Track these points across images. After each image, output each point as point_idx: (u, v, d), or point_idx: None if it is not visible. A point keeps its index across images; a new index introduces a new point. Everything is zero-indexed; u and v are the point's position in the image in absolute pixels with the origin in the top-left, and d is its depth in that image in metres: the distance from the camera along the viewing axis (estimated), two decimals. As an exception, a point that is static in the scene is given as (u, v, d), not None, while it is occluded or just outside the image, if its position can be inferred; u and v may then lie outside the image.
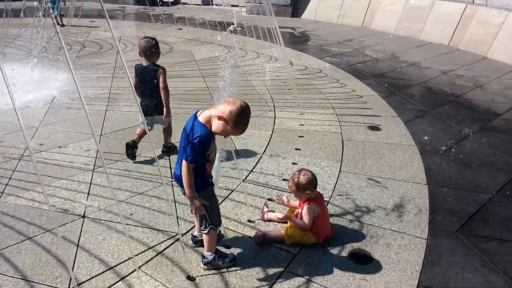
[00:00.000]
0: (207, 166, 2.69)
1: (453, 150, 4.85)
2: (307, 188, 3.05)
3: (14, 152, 4.60)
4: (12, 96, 2.17)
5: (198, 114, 2.60)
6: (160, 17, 13.31)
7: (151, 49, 4.23)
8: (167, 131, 4.60)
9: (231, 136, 2.87)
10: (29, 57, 7.45)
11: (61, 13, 12.04)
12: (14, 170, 4.19)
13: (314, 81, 7.46)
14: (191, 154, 2.49)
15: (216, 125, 2.51)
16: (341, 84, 7.30)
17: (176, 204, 3.63)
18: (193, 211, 2.70)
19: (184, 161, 2.54)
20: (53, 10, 11.02)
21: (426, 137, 5.14)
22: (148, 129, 4.34)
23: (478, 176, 4.24)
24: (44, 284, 2.74)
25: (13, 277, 2.79)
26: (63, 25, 11.62)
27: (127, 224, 3.35)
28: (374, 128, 5.41)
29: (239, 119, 2.49)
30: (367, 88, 7.08)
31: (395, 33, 11.94)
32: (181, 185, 2.66)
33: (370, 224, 3.40)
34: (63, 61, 7.36)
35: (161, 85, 4.26)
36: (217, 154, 2.82)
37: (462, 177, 4.23)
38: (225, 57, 9.21)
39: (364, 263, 2.98)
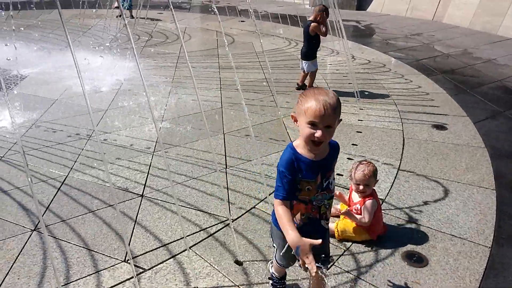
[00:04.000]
0: (294, 205, 1.98)
1: (528, 154, 4.44)
2: (375, 177, 2.98)
3: (84, 132, 4.94)
4: (82, 83, 2.32)
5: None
6: (224, 10, 13.54)
7: (319, 11, 5.99)
8: (309, 76, 6.36)
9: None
10: (101, 46, 7.92)
11: (131, 4, 12.57)
12: (82, 149, 4.50)
13: (376, 75, 7.19)
14: (276, 185, 1.96)
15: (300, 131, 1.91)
16: (406, 79, 6.97)
17: (229, 191, 3.69)
18: (303, 261, 1.82)
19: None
20: (123, 3, 11.64)
21: (497, 139, 4.76)
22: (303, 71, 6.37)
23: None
24: (103, 254, 2.91)
25: (76, 245, 3.01)
26: (132, 17, 12.20)
27: (181, 206, 3.46)
28: (440, 127, 5.10)
29: (304, 104, 1.81)
30: (435, 85, 6.69)
31: (469, 27, 11.15)
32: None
33: (428, 227, 3.22)
34: (131, 51, 7.75)
35: (311, 31, 6.07)
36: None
37: (537, 184, 3.87)
38: (285, 49, 9.19)
39: (418, 266, 2.83)
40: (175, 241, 3.06)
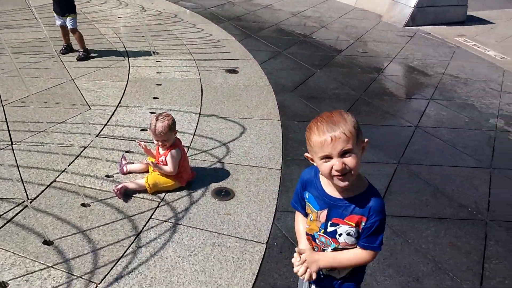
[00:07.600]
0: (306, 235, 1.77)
1: (302, 86, 5.28)
2: (173, 129, 3.02)
3: None
4: None
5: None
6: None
7: None
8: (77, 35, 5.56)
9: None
10: None
11: None
12: None
13: (169, 26, 7.17)
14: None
15: None
16: (198, 28, 7.18)
17: (20, 169, 3.26)
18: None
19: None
20: None
21: (279, 77, 5.48)
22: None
23: (323, 108, 4.73)
24: None
25: None
26: None
27: (-40, 200, 2.90)
28: (232, 71, 5.53)
29: (309, 138, 1.50)
30: (224, 32, 7.11)
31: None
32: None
33: (230, 163, 3.57)
34: None
35: None
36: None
37: (309, 110, 4.68)
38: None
39: (227, 199, 3.15)
40: (-42, 241, 2.58)
